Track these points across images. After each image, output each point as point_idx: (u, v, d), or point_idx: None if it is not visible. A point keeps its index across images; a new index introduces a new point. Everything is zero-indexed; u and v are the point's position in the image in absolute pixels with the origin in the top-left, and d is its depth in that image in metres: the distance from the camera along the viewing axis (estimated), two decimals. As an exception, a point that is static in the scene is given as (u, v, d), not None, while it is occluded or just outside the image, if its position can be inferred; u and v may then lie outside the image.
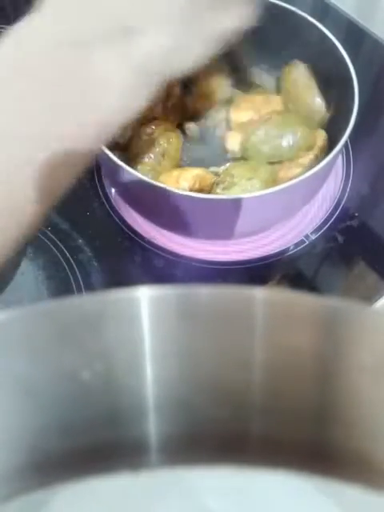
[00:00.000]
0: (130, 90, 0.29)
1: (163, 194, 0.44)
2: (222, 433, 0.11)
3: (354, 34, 0.69)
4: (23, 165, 0.27)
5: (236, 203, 0.45)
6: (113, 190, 0.57)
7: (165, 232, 0.55)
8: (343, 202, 0.57)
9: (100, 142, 0.30)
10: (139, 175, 0.44)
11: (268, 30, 0.56)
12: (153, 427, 0.11)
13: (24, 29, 0.28)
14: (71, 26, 0.28)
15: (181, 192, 0.44)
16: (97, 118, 0.29)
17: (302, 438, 0.11)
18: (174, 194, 0.44)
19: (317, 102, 0.55)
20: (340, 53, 0.50)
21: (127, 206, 0.56)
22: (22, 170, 0.27)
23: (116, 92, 0.29)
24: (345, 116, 0.47)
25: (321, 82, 0.55)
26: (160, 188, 0.44)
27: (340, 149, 0.46)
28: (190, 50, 0.30)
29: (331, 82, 0.53)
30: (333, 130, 0.53)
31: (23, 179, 0.27)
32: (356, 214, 0.57)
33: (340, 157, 0.60)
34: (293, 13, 0.53)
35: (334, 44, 0.50)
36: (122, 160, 0.45)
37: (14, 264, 0.51)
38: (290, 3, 0.54)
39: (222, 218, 0.49)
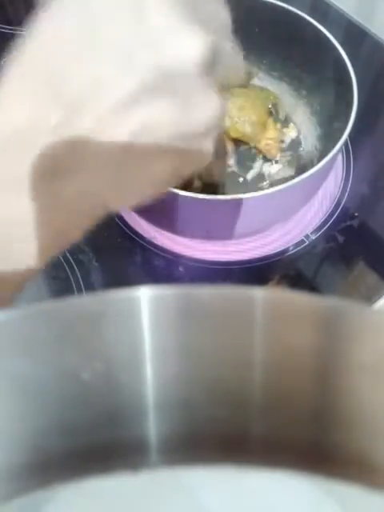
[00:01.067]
0: (61, 229, 0.26)
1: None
2: (222, 432, 0.11)
3: (354, 34, 0.69)
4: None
5: (235, 203, 0.45)
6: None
7: (165, 232, 0.55)
8: (343, 202, 0.57)
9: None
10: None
11: (266, 30, 0.56)
12: (153, 427, 0.11)
13: None
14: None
15: (179, 192, 0.44)
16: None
17: (302, 437, 0.11)
18: (173, 194, 0.44)
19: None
20: (339, 52, 0.50)
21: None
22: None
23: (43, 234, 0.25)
24: (344, 116, 0.47)
25: (320, 82, 0.55)
26: None
27: (339, 148, 0.46)
28: (127, 191, 0.26)
29: (330, 82, 0.53)
30: (332, 129, 0.53)
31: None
32: (356, 214, 0.57)
33: (340, 157, 0.60)
34: (290, 12, 0.53)
35: (332, 44, 0.51)
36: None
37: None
38: (289, 3, 0.54)
39: (221, 218, 0.49)
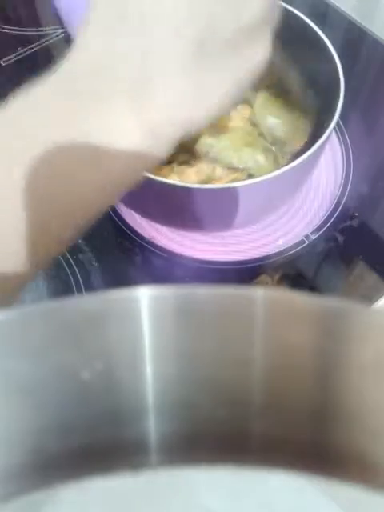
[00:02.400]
0: (139, 155, 0.27)
1: (159, 187, 0.44)
2: (222, 432, 0.11)
3: (354, 34, 0.69)
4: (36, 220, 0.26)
5: (229, 192, 0.45)
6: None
7: (165, 232, 0.55)
8: (343, 202, 0.57)
9: (111, 200, 0.29)
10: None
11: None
12: (153, 427, 0.11)
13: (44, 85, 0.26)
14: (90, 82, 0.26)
15: (172, 182, 0.44)
16: (107, 180, 0.27)
17: (302, 437, 0.11)
18: (167, 185, 0.44)
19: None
20: (323, 41, 0.50)
21: (125, 205, 0.56)
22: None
23: (124, 158, 0.26)
24: (330, 107, 0.48)
25: (308, 74, 0.55)
26: (155, 181, 0.44)
27: (326, 138, 0.46)
28: (210, 100, 0.27)
29: (318, 74, 0.53)
30: (319, 121, 0.53)
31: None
32: (356, 214, 0.57)
33: (340, 156, 0.60)
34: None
35: (316, 33, 0.50)
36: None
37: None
38: (288, 3, 0.54)
39: (216, 207, 0.49)
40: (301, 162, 0.45)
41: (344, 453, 0.11)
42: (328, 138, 0.46)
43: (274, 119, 0.55)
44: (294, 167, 0.44)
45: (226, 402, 0.11)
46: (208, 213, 0.50)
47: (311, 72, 0.54)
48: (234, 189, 0.45)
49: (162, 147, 0.27)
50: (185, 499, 0.12)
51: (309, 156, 0.45)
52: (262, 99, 0.56)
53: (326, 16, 0.70)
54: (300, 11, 0.52)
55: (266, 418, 0.11)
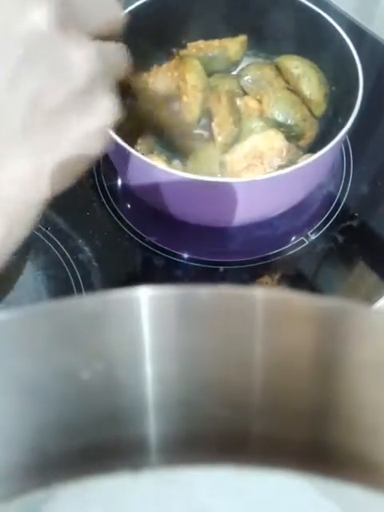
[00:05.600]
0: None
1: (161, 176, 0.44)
2: (222, 432, 0.11)
3: (354, 34, 0.69)
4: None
5: (232, 187, 0.45)
6: (114, 188, 0.57)
7: (165, 232, 0.55)
8: (343, 202, 0.57)
9: None
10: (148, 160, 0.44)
11: (268, 19, 0.56)
12: (153, 427, 0.11)
13: None
14: None
15: (171, 171, 0.44)
16: None
17: (302, 437, 0.11)
18: (167, 173, 0.44)
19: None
20: (347, 45, 0.50)
21: (126, 201, 0.56)
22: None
23: None
24: (346, 110, 0.48)
25: (324, 75, 0.56)
26: (157, 168, 0.44)
27: (339, 141, 0.46)
28: (53, 165, 0.26)
29: (334, 75, 0.53)
30: (332, 124, 0.53)
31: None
32: (356, 214, 0.57)
33: (340, 156, 0.60)
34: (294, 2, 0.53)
35: (340, 35, 0.51)
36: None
37: (17, 267, 0.51)
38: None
39: (221, 200, 0.49)
40: (309, 163, 0.45)
41: (344, 453, 0.11)
42: (341, 139, 0.46)
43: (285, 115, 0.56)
44: (303, 167, 0.44)
45: (226, 402, 0.11)
46: (209, 205, 0.50)
47: (330, 73, 0.55)
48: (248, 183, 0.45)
49: (21, 227, 0.27)
50: (185, 499, 0.12)
51: (320, 156, 0.45)
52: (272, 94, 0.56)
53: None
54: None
55: (266, 417, 0.11)
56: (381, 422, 0.11)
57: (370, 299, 0.52)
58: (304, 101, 0.56)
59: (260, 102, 0.56)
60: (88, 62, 0.26)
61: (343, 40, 0.51)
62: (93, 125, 0.27)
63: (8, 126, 0.25)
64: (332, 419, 0.11)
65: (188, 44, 0.58)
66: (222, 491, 0.12)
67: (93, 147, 0.28)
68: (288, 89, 0.57)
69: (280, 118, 0.55)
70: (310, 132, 0.55)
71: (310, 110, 0.56)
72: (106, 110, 0.27)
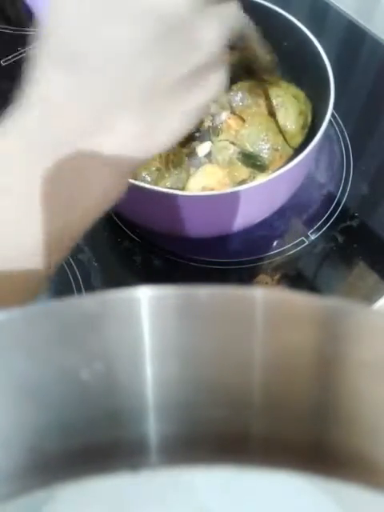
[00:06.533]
0: (107, 187, 0.28)
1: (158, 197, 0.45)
2: (222, 432, 0.11)
3: (354, 34, 0.69)
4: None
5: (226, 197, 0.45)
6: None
7: (165, 232, 0.55)
8: (343, 202, 0.57)
9: (85, 228, 0.30)
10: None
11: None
12: (153, 427, 0.11)
13: (11, 132, 0.27)
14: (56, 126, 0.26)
15: (167, 191, 0.44)
16: (80, 215, 0.28)
17: (302, 437, 0.11)
18: (163, 194, 0.44)
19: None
20: (310, 39, 0.50)
21: (126, 208, 0.56)
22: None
23: (94, 192, 0.28)
24: (323, 108, 0.48)
25: (300, 77, 0.55)
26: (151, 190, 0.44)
27: (318, 141, 0.46)
28: (163, 131, 0.28)
29: (307, 73, 0.53)
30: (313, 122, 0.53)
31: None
32: (356, 214, 0.57)
33: (340, 156, 0.60)
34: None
35: (302, 31, 0.50)
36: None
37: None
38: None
39: (216, 212, 0.49)
40: (291, 167, 0.45)
41: (344, 453, 0.11)
42: (318, 142, 0.46)
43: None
44: (289, 170, 0.45)
45: (226, 402, 0.11)
46: (206, 218, 0.51)
47: (301, 73, 0.54)
48: (232, 194, 0.45)
49: (124, 178, 0.29)
50: (185, 499, 0.12)
51: (299, 162, 0.45)
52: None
53: (325, 16, 0.70)
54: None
55: (266, 417, 0.11)
56: (381, 422, 0.11)
57: (370, 299, 0.52)
58: (281, 130, 0.55)
59: (243, 120, 0.56)
60: (216, 40, 0.27)
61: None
62: (203, 97, 0.28)
63: (127, 92, 0.26)
64: (332, 419, 0.11)
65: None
66: (222, 491, 0.12)
67: (193, 122, 0.29)
68: (271, 114, 0.57)
69: (247, 147, 0.54)
70: (280, 161, 0.55)
71: (285, 140, 0.56)
72: (215, 83, 0.28)
